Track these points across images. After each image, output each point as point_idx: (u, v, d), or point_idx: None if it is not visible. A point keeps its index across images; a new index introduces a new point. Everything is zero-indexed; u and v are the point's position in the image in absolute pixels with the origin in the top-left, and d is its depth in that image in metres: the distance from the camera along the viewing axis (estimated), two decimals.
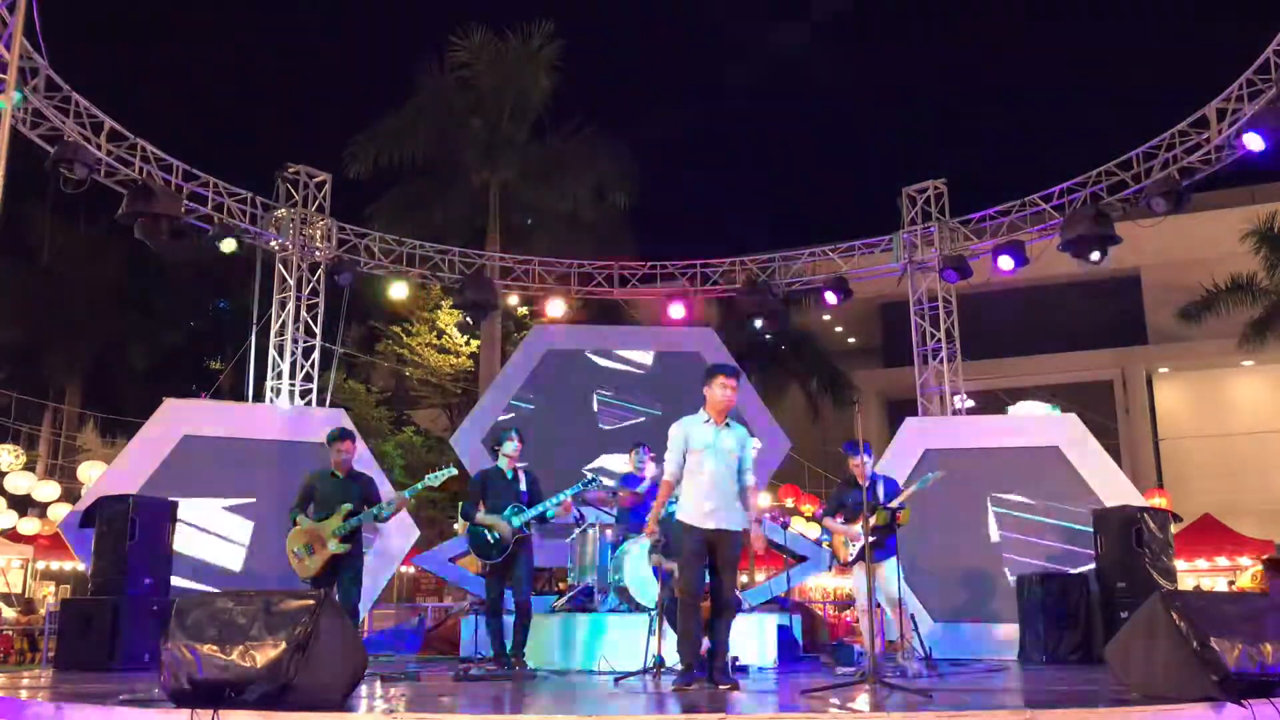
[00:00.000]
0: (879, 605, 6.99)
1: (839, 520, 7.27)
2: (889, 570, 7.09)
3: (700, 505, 5.69)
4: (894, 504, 6.95)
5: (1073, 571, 9.70)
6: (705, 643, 5.76)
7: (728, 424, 5.81)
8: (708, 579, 5.75)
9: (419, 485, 7.18)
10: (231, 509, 10.11)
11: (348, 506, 6.90)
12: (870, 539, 6.62)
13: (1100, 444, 10.85)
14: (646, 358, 12.28)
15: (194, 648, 4.18)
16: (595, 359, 12.36)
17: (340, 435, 7.21)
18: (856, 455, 7.08)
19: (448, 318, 21.47)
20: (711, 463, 5.70)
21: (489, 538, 6.94)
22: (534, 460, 7.62)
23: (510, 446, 7.18)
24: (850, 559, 7.11)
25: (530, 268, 13.84)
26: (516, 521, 6.93)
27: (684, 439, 5.79)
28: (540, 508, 7.04)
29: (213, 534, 9.97)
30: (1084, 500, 10.07)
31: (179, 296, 22.99)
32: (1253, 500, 22.05)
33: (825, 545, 12.86)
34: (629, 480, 8.65)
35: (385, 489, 8.88)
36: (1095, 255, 11.31)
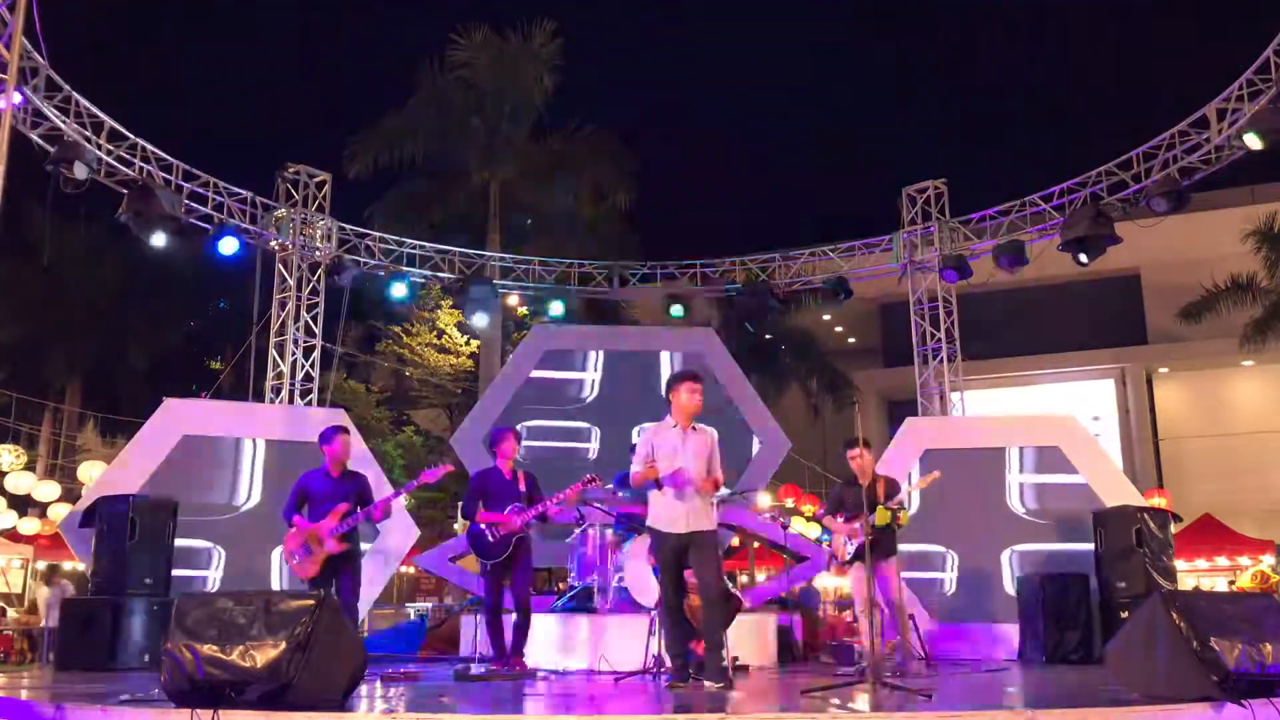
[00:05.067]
0: (877, 605, 6.99)
1: (839, 519, 7.27)
2: (888, 571, 7.10)
3: (671, 511, 5.83)
4: (894, 504, 6.95)
5: (1073, 571, 9.69)
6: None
7: (694, 427, 5.96)
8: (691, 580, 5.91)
9: (413, 483, 7.17)
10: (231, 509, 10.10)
11: (344, 506, 6.89)
12: (870, 538, 6.64)
13: (1100, 444, 10.85)
14: (646, 358, 12.25)
15: (194, 648, 4.18)
16: (594, 359, 12.33)
17: (334, 432, 7.19)
18: (854, 449, 7.11)
19: (448, 318, 21.47)
20: (679, 467, 5.79)
21: (489, 537, 6.94)
22: (533, 460, 7.63)
23: (508, 447, 7.20)
24: (848, 558, 7.10)
25: (530, 268, 13.84)
26: (517, 521, 6.94)
27: (649, 446, 5.92)
28: (540, 507, 7.04)
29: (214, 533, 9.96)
30: (1084, 500, 10.07)
31: (179, 296, 22.98)
32: (1253, 500, 22.05)
33: (825, 545, 12.90)
34: (625, 479, 8.64)
35: (386, 489, 8.86)
36: (1095, 256, 11.32)
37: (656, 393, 7.85)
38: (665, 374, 11.84)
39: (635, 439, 10.30)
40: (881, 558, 7.06)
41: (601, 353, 12.00)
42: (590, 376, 11.96)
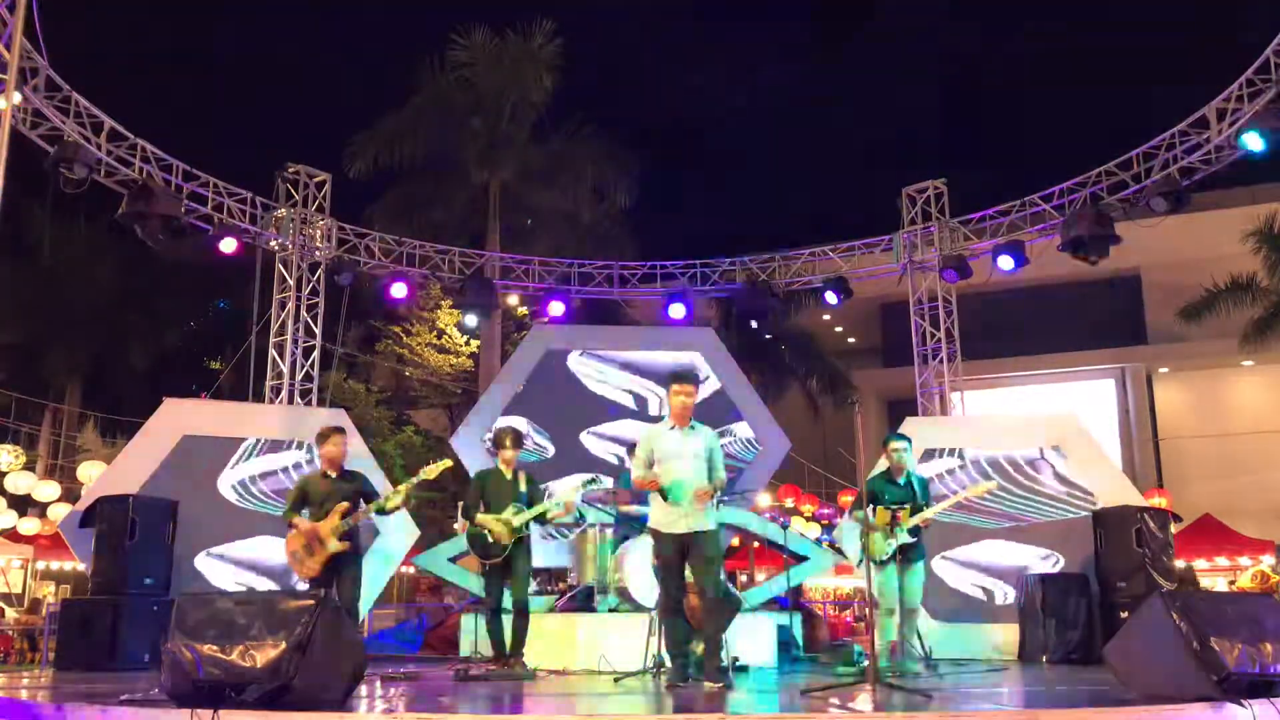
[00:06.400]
0: (890, 608, 7.02)
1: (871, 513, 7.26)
2: (920, 572, 7.15)
3: (670, 512, 5.82)
4: (933, 511, 7.08)
5: (1073, 571, 9.69)
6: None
7: (692, 427, 5.95)
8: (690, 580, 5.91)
9: (414, 480, 7.18)
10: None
11: (344, 505, 6.89)
12: (911, 540, 6.82)
13: (1100, 444, 10.85)
14: (646, 358, 12.25)
15: (194, 648, 4.18)
16: (594, 359, 12.34)
17: (329, 432, 7.18)
18: (897, 441, 7.20)
19: (448, 318, 21.47)
20: (678, 469, 5.82)
21: (488, 537, 6.95)
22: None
23: (508, 451, 7.20)
24: (885, 557, 7.05)
25: (530, 268, 13.85)
26: (516, 522, 6.94)
27: (649, 449, 5.92)
28: (539, 508, 7.05)
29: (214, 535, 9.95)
30: (1084, 500, 10.07)
31: (179, 296, 22.97)
32: (1253, 500, 22.04)
33: (826, 545, 12.88)
34: (627, 481, 8.64)
35: (385, 488, 8.85)
36: (1095, 256, 11.33)
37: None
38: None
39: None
40: (911, 562, 7.09)
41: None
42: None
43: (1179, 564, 16.03)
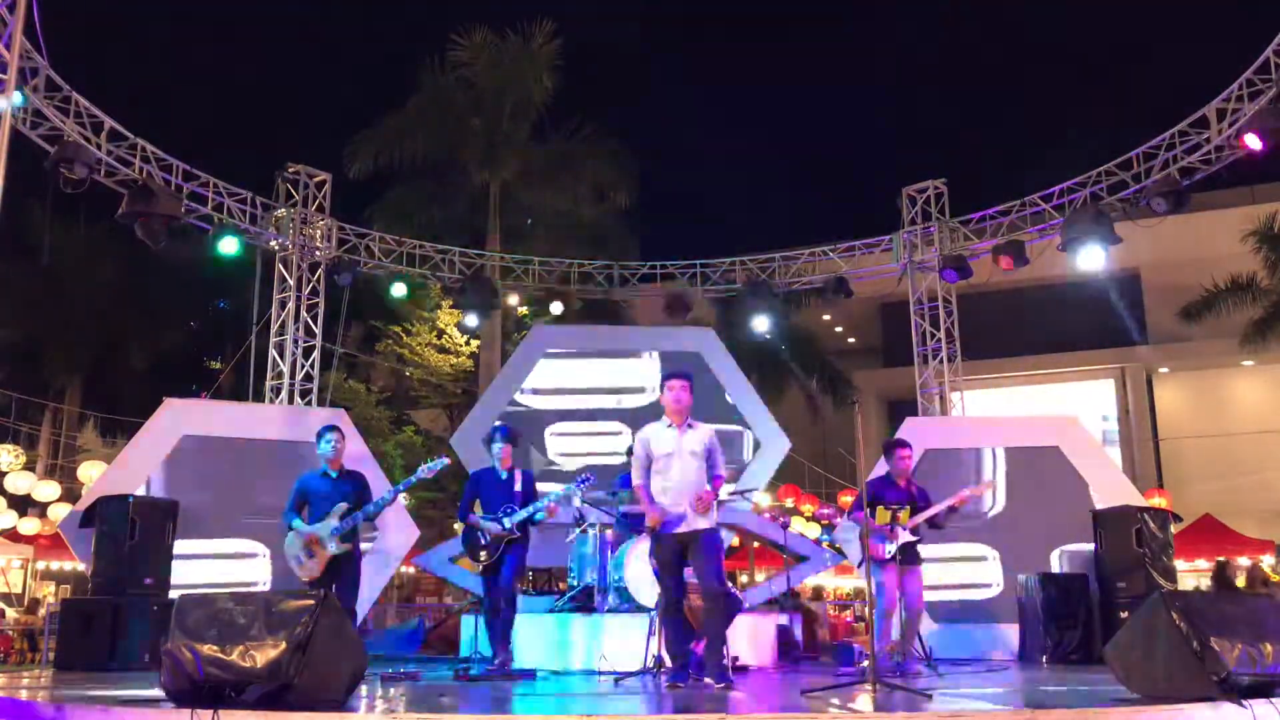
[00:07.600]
0: (890, 608, 7.03)
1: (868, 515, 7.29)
2: (920, 573, 7.17)
3: (668, 510, 5.77)
4: (932, 511, 7.11)
5: (1073, 571, 9.69)
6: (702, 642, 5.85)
7: (690, 425, 5.92)
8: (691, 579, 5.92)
9: (411, 479, 7.17)
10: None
11: (344, 506, 6.89)
12: (912, 540, 6.84)
13: (1100, 444, 10.85)
14: (646, 358, 12.25)
15: (194, 648, 4.18)
16: (594, 359, 12.34)
17: (325, 431, 7.17)
18: (904, 449, 7.22)
19: (448, 318, 21.47)
20: (676, 467, 5.82)
21: (480, 538, 6.95)
22: (532, 460, 7.61)
23: (497, 448, 7.19)
24: (887, 556, 7.07)
25: (530, 268, 13.85)
26: (507, 523, 6.93)
27: (646, 447, 5.91)
28: (530, 509, 7.02)
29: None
30: (1084, 500, 10.06)
31: (179, 296, 22.97)
32: (1253, 500, 22.04)
33: (826, 545, 12.86)
34: (626, 480, 8.62)
35: (384, 488, 8.85)
36: (1095, 256, 11.32)
37: None
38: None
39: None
40: (911, 563, 7.10)
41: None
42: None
43: (1242, 560, 16.11)
